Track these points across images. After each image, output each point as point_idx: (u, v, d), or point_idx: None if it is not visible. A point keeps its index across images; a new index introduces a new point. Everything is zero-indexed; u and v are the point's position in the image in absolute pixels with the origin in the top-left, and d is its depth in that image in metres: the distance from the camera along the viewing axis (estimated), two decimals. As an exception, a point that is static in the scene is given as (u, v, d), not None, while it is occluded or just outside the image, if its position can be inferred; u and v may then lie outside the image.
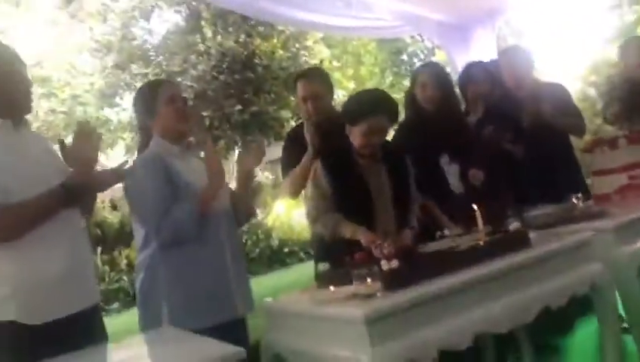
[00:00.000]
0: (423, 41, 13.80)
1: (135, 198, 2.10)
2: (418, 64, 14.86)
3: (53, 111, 10.86)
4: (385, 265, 1.69)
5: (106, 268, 7.27)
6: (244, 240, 8.21)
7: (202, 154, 2.29)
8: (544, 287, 1.81)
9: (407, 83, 14.43)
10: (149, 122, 2.19)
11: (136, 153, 2.38)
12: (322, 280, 1.93)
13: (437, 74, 2.90)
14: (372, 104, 2.36)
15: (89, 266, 2.01)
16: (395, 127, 2.87)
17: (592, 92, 11.39)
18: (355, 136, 2.36)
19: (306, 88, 2.76)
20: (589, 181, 3.05)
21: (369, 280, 1.61)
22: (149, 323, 2.04)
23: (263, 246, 8.26)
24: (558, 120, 3.06)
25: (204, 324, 1.89)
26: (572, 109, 3.26)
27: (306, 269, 5.77)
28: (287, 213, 10.25)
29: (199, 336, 1.61)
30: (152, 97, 2.17)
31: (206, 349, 1.46)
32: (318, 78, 2.84)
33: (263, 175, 18.24)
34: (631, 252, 2.15)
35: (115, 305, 6.71)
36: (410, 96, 2.95)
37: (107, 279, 7.09)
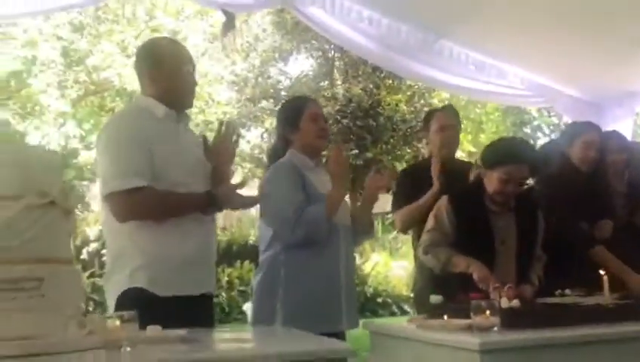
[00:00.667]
0: (549, 116, 13.36)
1: (270, 200, 2.22)
2: (542, 138, 14.39)
3: (194, 133, 11.73)
4: (505, 303, 1.66)
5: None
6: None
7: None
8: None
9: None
10: (289, 134, 2.33)
11: (254, 180, 2.52)
12: (435, 310, 1.92)
13: (600, 136, 2.78)
14: (515, 151, 2.31)
15: (213, 257, 2.17)
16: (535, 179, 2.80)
17: None
18: (492, 181, 2.29)
19: (443, 118, 2.85)
20: None
21: (487, 312, 1.59)
22: (261, 320, 2.13)
23: (357, 291, 8.23)
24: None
25: (311, 330, 1.95)
26: None
27: (397, 321, 5.61)
28: (385, 264, 10.15)
29: (310, 334, 1.67)
30: (298, 112, 2.32)
31: (317, 342, 1.51)
32: (454, 112, 2.97)
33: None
34: None
35: (209, 319, 6.98)
36: (562, 153, 2.79)
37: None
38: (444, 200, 2.37)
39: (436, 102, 10.92)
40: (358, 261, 9.81)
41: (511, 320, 1.60)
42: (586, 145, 2.72)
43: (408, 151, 10.65)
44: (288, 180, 2.18)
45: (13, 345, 1.24)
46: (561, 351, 1.55)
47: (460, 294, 1.93)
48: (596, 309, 1.74)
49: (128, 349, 1.37)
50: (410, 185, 2.80)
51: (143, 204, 1.94)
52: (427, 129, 2.94)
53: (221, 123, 2.21)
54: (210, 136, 2.30)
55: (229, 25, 3.83)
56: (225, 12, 3.36)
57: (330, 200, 2.18)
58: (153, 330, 1.54)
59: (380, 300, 8.09)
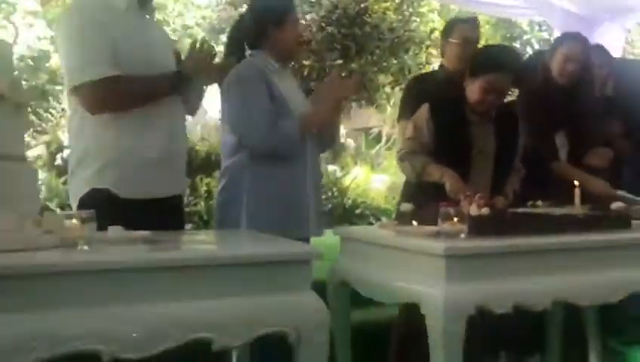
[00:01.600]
0: (540, 30, 13.07)
1: (237, 105, 2.11)
2: (530, 53, 14.14)
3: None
4: (474, 210, 1.65)
5: (187, 190, 7.64)
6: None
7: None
8: (636, 273, 1.71)
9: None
10: (269, 29, 2.16)
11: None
12: (404, 217, 1.91)
13: (583, 49, 2.68)
14: (499, 60, 2.26)
15: (182, 156, 2.11)
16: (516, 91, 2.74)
17: None
18: (473, 90, 2.26)
19: (468, 31, 2.69)
20: None
21: (455, 220, 1.58)
22: (226, 226, 2.11)
23: (336, 203, 8.29)
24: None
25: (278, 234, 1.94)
26: None
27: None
28: (366, 178, 10.22)
29: (276, 237, 1.65)
30: (285, 9, 2.19)
31: (282, 244, 1.50)
32: (477, 25, 2.83)
33: (346, 140, 18.27)
34: None
35: (188, 226, 7.04)
36: (544, 64, 2.73)
37: (186, 201, 7.45)
38: (424, 107, 2.33)
39: (425, 10, 10.55)
40: (338, 174, 9.87)
41: (478, 227, 1.60)
42: (564, 57, 2.63)
43: (394, 62, 10.37)
44: (257, 85, 2.07)
45: (-39, 242, 1.21)
46: (525, 258, 1.56)
47: (431, 202, 1.92)
48: (564, 219, 1.74)
49: (85, 248, 1.34)
50: (419, 96, 2.60)
51: (117, 93, 1.86)
52: (446, 38, 2.76)
53: (194, 42, 2.07)
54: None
55: None
56: None
57: (310, 118, 2.13)
58: (114, 230, 1.51)
59: (358, 211, 8.18)
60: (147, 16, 2.05)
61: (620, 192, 2.37)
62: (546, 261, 1.58)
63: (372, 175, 10.99)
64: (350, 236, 1.96)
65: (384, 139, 13.40)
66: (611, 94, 3.20)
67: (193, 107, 2.22)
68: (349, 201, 8.57)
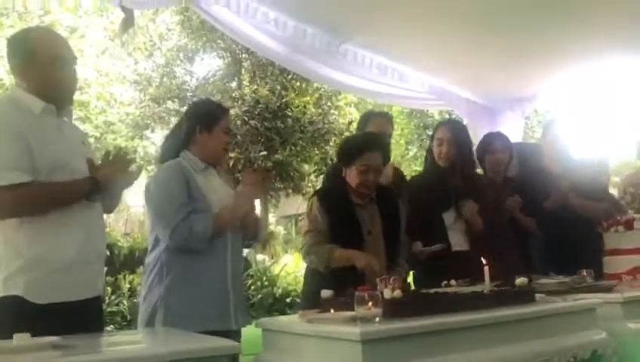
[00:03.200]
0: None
1: (154, 199, 2.18)
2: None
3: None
4: (388, 293, 1.71)
5: (108, 289, 7.28)
6: (248, 284, 8.16)
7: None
8: (544, 344, 1.80)
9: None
10: (197, 134, 2.27)
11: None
12: (324, 305, 1.93)
13: (454, 131, 2.96)
14: (366, 142, 2.49)
15: (101, 257, 2.06)
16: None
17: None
18: (352, 175, 2.45)
19: (383, 125, 3.03)
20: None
21: (370, 304, 1.62)
22: (144, 323, 2.06)
23: (266, 292, 8.19)
24: (582, 208, 3.11)
25: (195, 329, 1.90)
26: (604, 193, 3.36)
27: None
28: (296, 265, 10.19)
29: (192, 333, 1.63)
30: (215, 118, 2.30)
31: (198, 341, 1.47)
32: (391, 119, 3.28)
33: (276, 228, 18.27)
34: (637, 329, 2.12)
35: (110, 328, 6.65)
36: (429, 151, 3.03)
37: (107, 301, 7.08)
38: (313, 199, 2.47)
39: (342, 104, 11.14)
40: (267, 263, 9.79)
41: (392, 309, 1.65)
42: (438, 141, 2.95)
43: (317, 152, 10.76)
44: (172, 182, 2.15)
45: None
46: (438, 338, 1.61)
47: (349, 288, 1.97)
48: (472, 297, 1.83)
49: (-15, 359, 1.27)
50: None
51: (27, 199, 1.82)
52: (361, 130, 3.01)
53: (107, 152, 2.08)
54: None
55: (128, 22, 3.67)
56: (123, 8, 3.22)
57: (221, 214, 2.18)
58: (20, 338, 1.44)
59: (289, 300, 8.11)
60: (65, 118, 2.04)
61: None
62: (455, 340, 1.63)
63: (302, 262, 10.98)
64: (270, 327, 1.95)
65: (313, 226, 13.55)
66: (514, 175, 3.49)
67: (111, 206, 2.20)
68: (279, 290, 8.49)
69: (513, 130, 5.21)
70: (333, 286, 2.17)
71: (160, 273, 2.12)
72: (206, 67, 11.61)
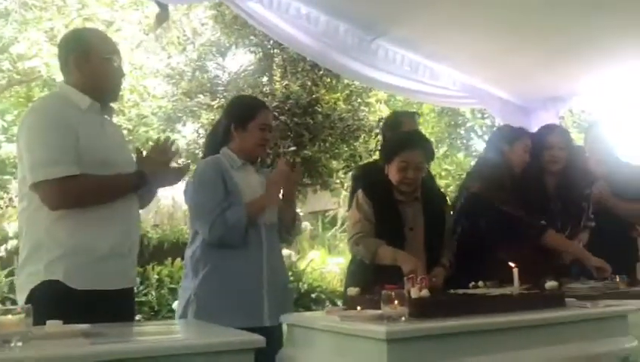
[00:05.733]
0: (483, 118, 13.84)
1: (193, 195, 2.24)
2: (474, 139, 14.87)
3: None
4: (415, 293, 1.70)
5: (137, 279, 7.44)
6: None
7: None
8: (572, 350, 1.77)
9: (460, 155, 14.23)
10: (234, 130, 2.31)
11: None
12: (350, 302, 1.93)
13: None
14: (406, 140, 2.51)
15: (134, 250, 2.11)
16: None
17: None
18: (393, 172, 2.47)
19: (410, 124, 3.16)
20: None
21: (396, 303, 1.62)
22: (179, 315, 2.11)
23: (292, 288, 8.24)
24: (620, 209, 3.06)
25: (224, 323, 1.93)
26: None
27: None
28: (322, 261, 10.22)
29: (219, 326, 1.65)
30: (251, 114, 2.32)
31: (223, 333, 1.48)
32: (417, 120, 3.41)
33: (303, 224, 18.35)
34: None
35: (138, 318, 6.78)
36: (503, 155, 2.91)
37: (136, 290, 7.22)
38: (359, 193, 2.48)
39: (373, 101, 11.06)
40: (294, 258, 9.82)
41: (418, 309, 1.64)
42: (523, 148, 2.86)
43: (346, 149, 10.72)
44: (212, 178, 2.19)
45: None
46: (464, 339, 1.59)
47: (375, 286, 1.96)
48: (500, 299, 1.80)
49: (19, 344, 1.31)
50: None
51: (77, 192, 1.90)
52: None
53: (156, 141, 2.19)
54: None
55: (162, 17, 3.73)
56: (158, 3, 3.28)
57: (257, 204, 2.22)
58: (53, 325, 1.48)
59: (314, 296, 8.13)
60: (106, 117, 2.13)
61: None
62: (482, 342, 1.61)
63: (328, 258, 11.00)
64: (296, 323, 1.95)
65: (339, 221, 13.55)
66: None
67: (146, 202, 2.27)
68: (305, 286, 8.52)
69: (548, 131, 5.13)
70: (378, 279, 2.20)
71: (195, 267, 2.18)
72: (238, 62, 11.66)
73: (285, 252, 10.36)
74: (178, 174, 2.21)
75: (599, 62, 4.37)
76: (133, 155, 2.16)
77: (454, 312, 1.68)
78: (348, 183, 10.43)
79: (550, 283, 1.96)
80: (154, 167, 2.06)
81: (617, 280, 2.44)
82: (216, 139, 2.38)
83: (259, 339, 1.37)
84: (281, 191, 2.32)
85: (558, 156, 2.93)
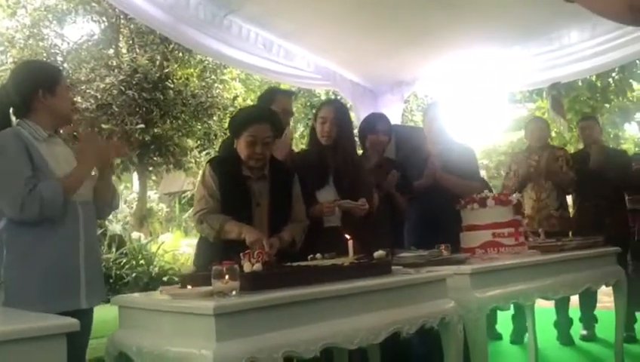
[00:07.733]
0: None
1: None
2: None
3: None
4: (247, 267, 1.69)
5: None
6: (122, 263, 7.81)
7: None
8: (397, 313, 1.89)
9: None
10: (37, 98, 2.08)
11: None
12: (183, 281, 1.88)
13: (337, 110, 3.01)
14: (254, 114, 2.48)
15: None
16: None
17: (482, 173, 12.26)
18: (241, 147, 2.44)
19: (289, 103, 3.09)
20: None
21: (227, 278, 1.60)
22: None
23: (142, 271, 7.89)
24: (449, 183, 3.35)
25: (36, 309, 1.77)
26: (475, 174, 3.65)
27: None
28: (175, 242, 9.92)
29: (27, 313, 1.51)
30: (55, 76, 2.13)
31: (31, 319, 1.36)
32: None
33: (158, 206, 17.60)
34: (482, 297, 2.30)
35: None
36: (312, 129, 3.06)
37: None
38: (207, 167, 2.43)
39: (227, 78, 10.90)
40: (143, 241, 9.41)
41: (250, 283, 1.64)
42: (321, 120, 2.99)
43: (200, 127, 10.46)
44: (14, 152, 1.96)
45: None
46: (293, 309, 1.62)
47: (213, 263, 1.92)
48: (330, 269, 1.87)
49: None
50: None
51: None
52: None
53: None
54: None
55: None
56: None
57: (72, 176, 2.06)
58: None
59: (166, 279, 7.87)
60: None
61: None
62: (313, 310, 1.66)
63: (182, 239, 10.71)
64: (126, 304, 1.86)
65: (196, 202, 13.23)
66: (393, 156, 3.64)
67: None
68: (156, 269, 8.23)
69: (393, 112, 5.43)
70: (223, 257, 2.15)
71: (0, 251, 1.94)
72: (78, 31, 10.77)
73: (134, 234, 9.87)
74: None
75: (438, 51, 4.72)
76: None
77: (286, 284, 1.70)
78: (203, 162, 10.22)
79: (378, 253, 2.07)
80: None
81: (442, 248, 2.65)
82: (6, 110, 2.11)
83: (72, 323, 1.27)
84: (95, 164, 2.16)
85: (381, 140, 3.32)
